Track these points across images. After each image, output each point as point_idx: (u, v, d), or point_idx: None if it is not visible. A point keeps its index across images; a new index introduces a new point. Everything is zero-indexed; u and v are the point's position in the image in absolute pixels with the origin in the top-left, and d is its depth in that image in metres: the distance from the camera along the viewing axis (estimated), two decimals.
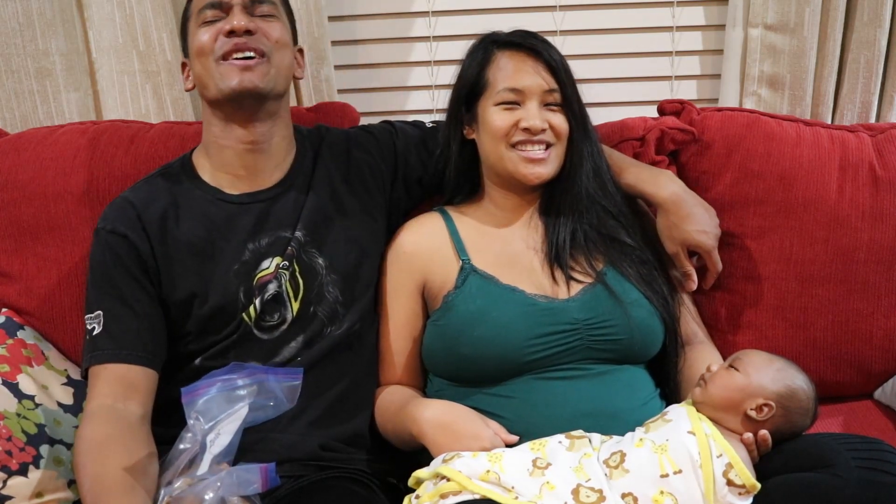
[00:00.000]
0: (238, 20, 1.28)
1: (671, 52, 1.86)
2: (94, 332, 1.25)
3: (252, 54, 1.28)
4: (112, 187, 1.50)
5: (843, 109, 1.79)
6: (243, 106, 1.30)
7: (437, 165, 1.45)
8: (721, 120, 1.62)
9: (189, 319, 1.28)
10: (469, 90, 1.36)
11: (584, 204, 1.37)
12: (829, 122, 1.80)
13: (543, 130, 1.31)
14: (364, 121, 1.69)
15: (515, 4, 1.83)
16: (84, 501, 1.11)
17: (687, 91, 1.89)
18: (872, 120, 1.80)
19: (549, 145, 1.33)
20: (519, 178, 1.34)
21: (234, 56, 1.27)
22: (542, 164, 1.33)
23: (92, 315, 1.27)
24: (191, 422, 1.10)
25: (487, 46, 1.36)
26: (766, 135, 1.60)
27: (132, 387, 1.23)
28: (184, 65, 1.38)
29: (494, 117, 1.33)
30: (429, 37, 1.86)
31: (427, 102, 1.89)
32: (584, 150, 1.36)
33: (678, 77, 1.88)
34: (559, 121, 1.33)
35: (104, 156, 1.54)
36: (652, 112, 1.71)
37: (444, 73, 1.86)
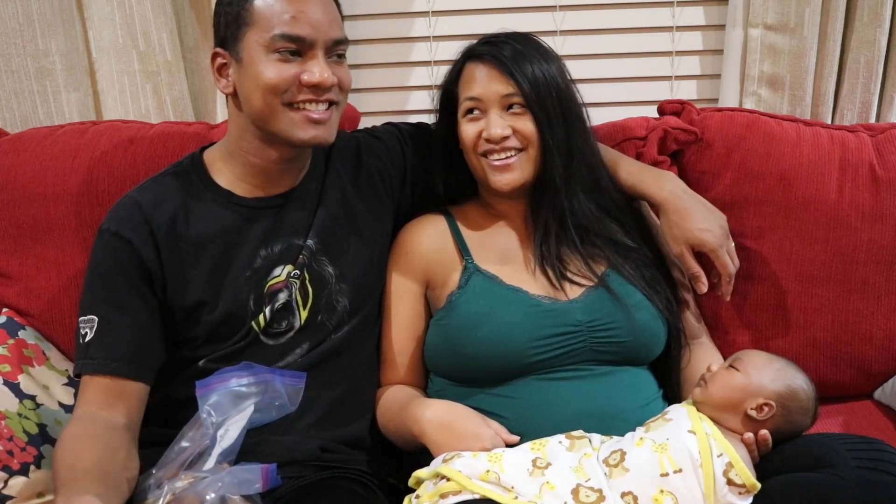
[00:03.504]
0: (322, 72, 1.20)
1: (671, 52, 1.86)
2: (87, 339, 1.21)
3: (324, 106, 1.23)
4: (112, 188, 1.50)
5: (843, 109, 1.79)
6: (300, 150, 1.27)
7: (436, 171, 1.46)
8: (721, 120, 1.62)
9: (197, 326, 1.25)
10: (449, 102, 1.39)
11: (572, 206, 1.34)
12: (829, 122, 1.80)
13: (505, 138, 1.31)
14: (364, 121, 1.69)
15: (515, 4, 1.83)
16: (56, 491, 1.08)
17: (687, 91, 1.89)
18: (872, 120, 1.80)
19: (519, 150, 1.32)
20: (492, 186, 1.34)
21: (307, 106, 1.22)
22: (510, 170, 1.32)
23: (85, 319, 1.22)
24: (203, 416, 1.10)
25: (459, 60, 1.38)
26: (766, 135, 1.60)
27: (119, 397, 1.20)
28: (215, 55, 1.26)
29: (463, 128, 1.35)
30: (429, 37, 1.86)
31: (427, 102, 1.86)
32: (559, 150, 1.32)
33: (678, 77, 1.88)
34: (523, 124, 1.31)
35: (104, 156, 1.54)
36: (652, 112, 1.71)
37: (444, 72, 1.86)
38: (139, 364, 1.22)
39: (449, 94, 1.39)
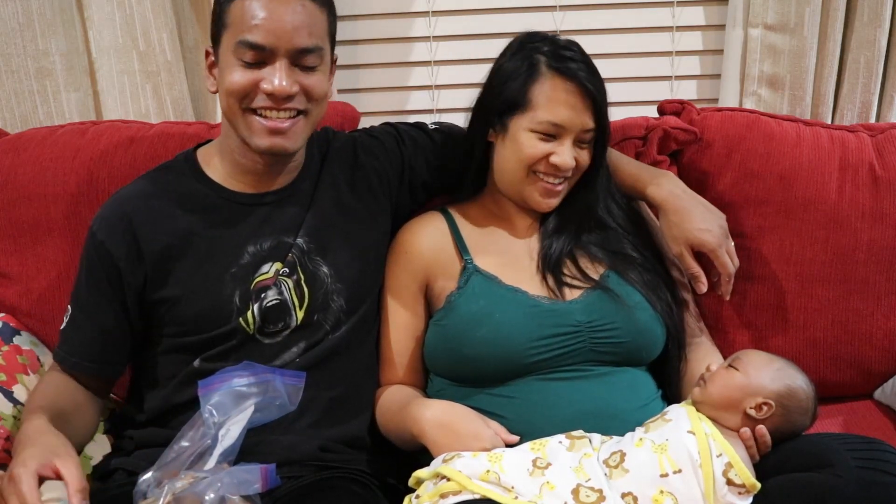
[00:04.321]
0: (280, 81, 1.18)
1: (671, 52, 1.86)
2: (62, 326, 1.31)
3: (287, 114, 1.22)
4: (112, 188, 1.49)
5: (843, 109, 1.80)
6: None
7: (451, 163, 1.44)
8: (721, 120, 1.62)
9: (178, 317, 1.26)
10: (509, 104, 1.31)
11: (584, 218, 1.38)
12: (829, 122, 1.80)
13: (571, 167, 1.32)
14: (364, 121, 1.69)
15: (515, 4, 1.83)
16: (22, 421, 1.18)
17: (687, 91, 1.89)
18: (872, 120, 1.81)
19: (568, 177, 1.34)
20: (532, 205, 1.35)
21: (268, 113, 1.21)
22: (557, 195, 1.35)
23: (68, 307, 1.31)
24: (205, 416, 1.10)
25: (535, 60, 1.30)
26: (766, 135, 1.60)
27: (84, 381, 1.31)
28: (207, 53, 1.28)
29: (528, 143, 1.30)
30: (429, 37, 1.86)
31: (427, 102, 1.89)
32: (594, 177, 1.37)
33: (678, 77, 1.88)
34: (585, 157, 1.33)
35: (104, 156, 1.54)
36: (652, 112, 1.71)
37: (444, 73, 1.86)
38: (100, 363, 1.30)
39: (513, 97, 1.31)
